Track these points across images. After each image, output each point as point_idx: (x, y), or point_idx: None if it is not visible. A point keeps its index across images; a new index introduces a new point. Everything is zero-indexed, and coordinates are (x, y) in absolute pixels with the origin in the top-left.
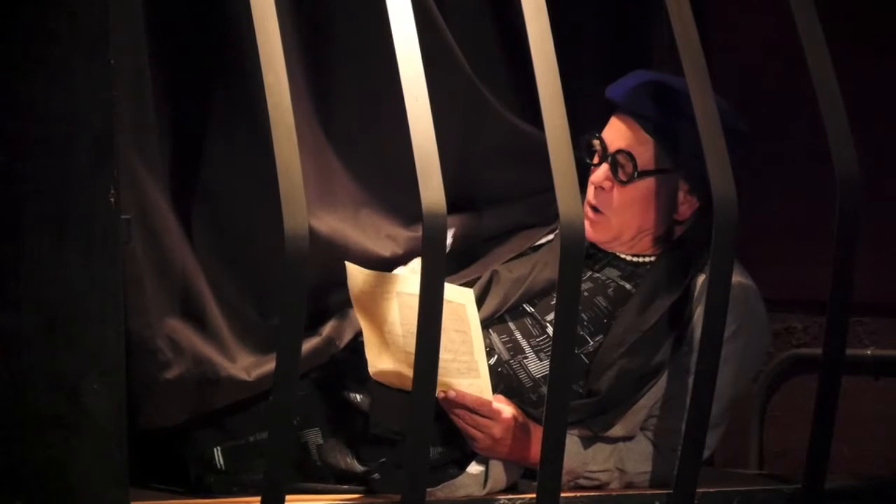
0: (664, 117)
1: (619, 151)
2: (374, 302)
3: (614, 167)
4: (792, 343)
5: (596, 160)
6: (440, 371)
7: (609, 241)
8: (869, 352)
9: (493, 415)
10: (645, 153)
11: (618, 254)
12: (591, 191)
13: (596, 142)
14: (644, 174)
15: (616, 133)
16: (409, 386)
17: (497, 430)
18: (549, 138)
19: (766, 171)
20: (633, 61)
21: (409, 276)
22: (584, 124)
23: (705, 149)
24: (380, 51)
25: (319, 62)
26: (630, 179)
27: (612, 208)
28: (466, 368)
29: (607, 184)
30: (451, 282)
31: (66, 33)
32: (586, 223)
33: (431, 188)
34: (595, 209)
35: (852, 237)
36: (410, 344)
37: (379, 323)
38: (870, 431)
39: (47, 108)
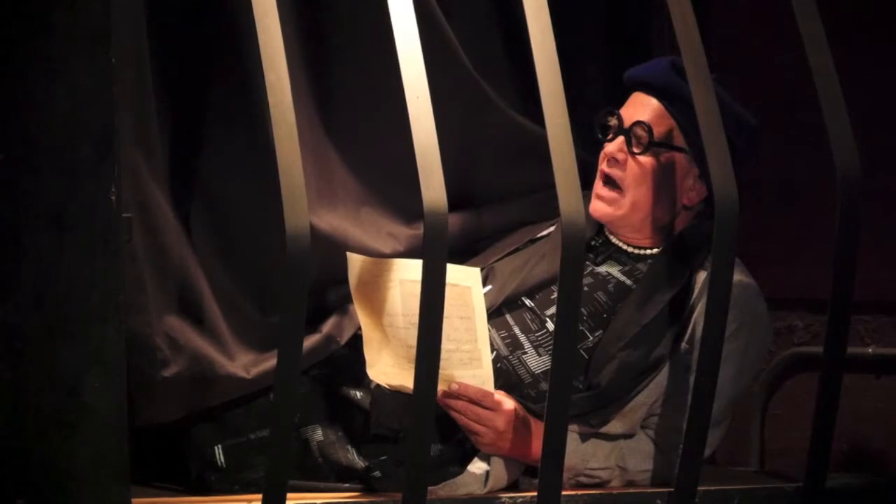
0: (687, 98)
1: (637, 123)
2: (376, 291)
3: (629, 139)
4: (793, 341)
5: (610, 136)
6: (442, 364)
7: (619, 220)
8: (870, 350)
9: (496, 406)
10: (662, 127)
11: (620, 245)
12: (603, 163)
13: (612, 118)
14: (659, 146)
15: (636, 108)
16: (409, 386)
17: (500, 423)
18: (551, 135)
19: (767, 169)
20: (631, 56)
21: (411, 262)
22: (584, 122)
23: (706, 146)
24: (382, 49)
25: (321, 61)
26: (644, 150)
27: (626, 181)
28: (469, 359)
29: (621, 155)
30: None
31: (67, 31)
32: (599, 201)
33: (432, 186)
34: (608, 182)
35: (853, 235)
36: (412, 336)
37: (380, 314)
38: (871, 430)
39: (48, 107)
